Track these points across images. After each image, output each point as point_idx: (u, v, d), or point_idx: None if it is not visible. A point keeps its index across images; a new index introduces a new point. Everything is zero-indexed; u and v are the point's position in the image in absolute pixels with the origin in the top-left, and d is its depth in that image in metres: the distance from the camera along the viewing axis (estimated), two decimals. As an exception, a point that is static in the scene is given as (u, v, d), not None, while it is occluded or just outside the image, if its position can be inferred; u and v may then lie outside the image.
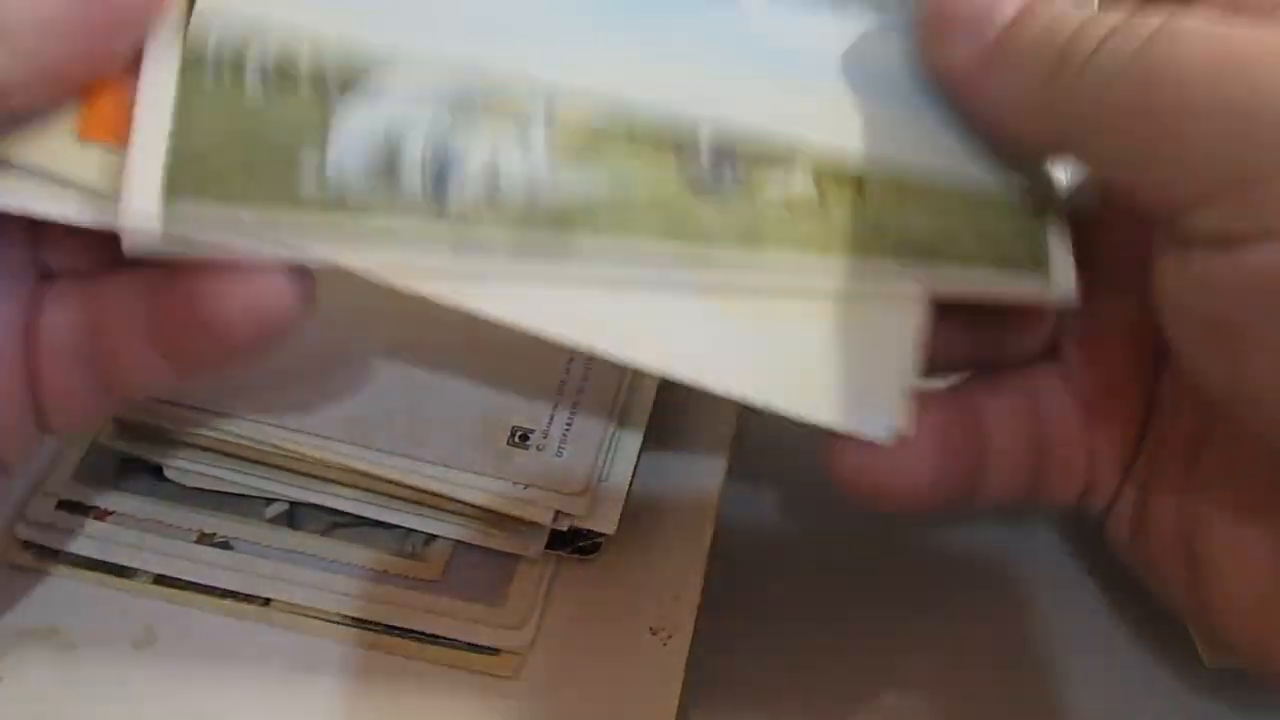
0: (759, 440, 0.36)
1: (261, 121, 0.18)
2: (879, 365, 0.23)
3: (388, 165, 0.19)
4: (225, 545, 0.31)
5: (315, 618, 0.30)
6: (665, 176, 0.21)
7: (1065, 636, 0.32)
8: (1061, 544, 0.34)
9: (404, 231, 0.19)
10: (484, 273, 0.20)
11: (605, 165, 0.21)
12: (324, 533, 0.32)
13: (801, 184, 0.22)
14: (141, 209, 0.18)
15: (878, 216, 0.23)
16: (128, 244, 0.18)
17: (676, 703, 0.28)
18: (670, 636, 0.30)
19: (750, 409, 0.23)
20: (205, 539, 0.31)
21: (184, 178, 0.18)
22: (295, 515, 0.32)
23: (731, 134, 0.22)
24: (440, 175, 0.19)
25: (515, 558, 0.31)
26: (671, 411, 0.34)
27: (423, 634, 0.30)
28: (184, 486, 0.32)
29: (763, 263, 0.22)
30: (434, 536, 0.31)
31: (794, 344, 0.22)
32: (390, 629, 0.30)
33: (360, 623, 0.30)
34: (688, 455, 0.34)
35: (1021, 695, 0.31)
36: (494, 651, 0.29)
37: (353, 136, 0.19)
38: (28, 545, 0.31)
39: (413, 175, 0.19)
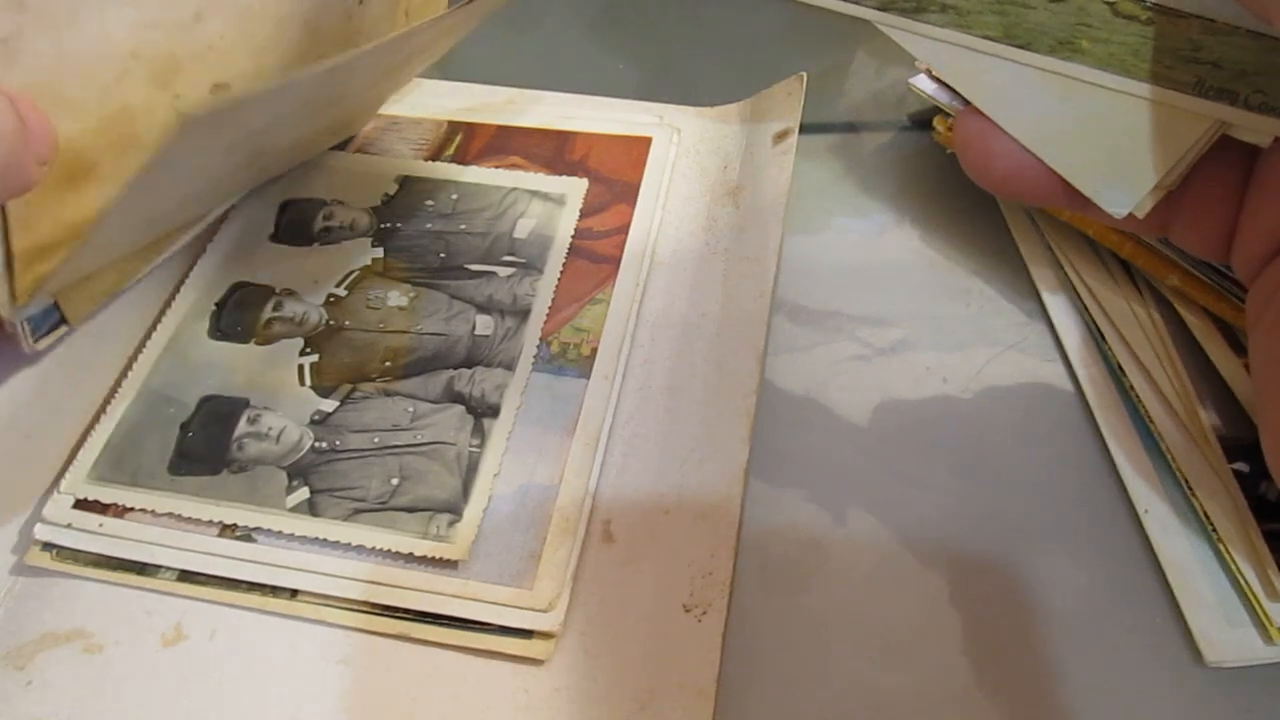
0: (781, 434, 0.36)
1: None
2: (1142, 158, 0.26)
3: None
4: (248, 537, 0.31)
5: (344, 608, 0.30)
6: None
7: (1065, 636, 0.32)
8: (1064, 546, 0.34)
9: None
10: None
11: None
12: (346, 519, 0.31)
13: (1129, 5, 0.25)
14: None
15: (1192, 39, 0.25)
16: None
17: (716, 677, 0.28)
18: (705, 613, 0.29)
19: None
20: (227, 532, 0.31)
21: None
22: (316, 503, 0.31)
23: None
24: None
25: (540, 539, 0.31)
26: (690, 393, 0.34)
27: (453, 619, 0.30)
28: (201, 479, 0.32)
29: (1071, 70, 0.26)
30: (459, 518, 0.31)
31: (1080, 117, 0.26)
32: (421, 615, 0.30)
33: (390, 610, 0.30)
34: (711, 439, 0.33)
35: (1022, 694, 0.31)
36: (527, 635, 0.29)
37: None
38: (47, 546, 0.31)
39: None
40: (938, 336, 0.40)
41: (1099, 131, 0.26)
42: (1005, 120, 0.27)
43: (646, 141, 0.43)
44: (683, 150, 0.43)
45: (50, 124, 0.27)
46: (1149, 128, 0.26)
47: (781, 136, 0.42)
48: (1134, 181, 0.26)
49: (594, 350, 0.36)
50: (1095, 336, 0.38)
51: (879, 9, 0.27)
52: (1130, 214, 0.26)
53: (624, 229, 0.40)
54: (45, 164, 0.27)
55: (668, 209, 0.41)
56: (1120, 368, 0.36)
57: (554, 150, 0.43)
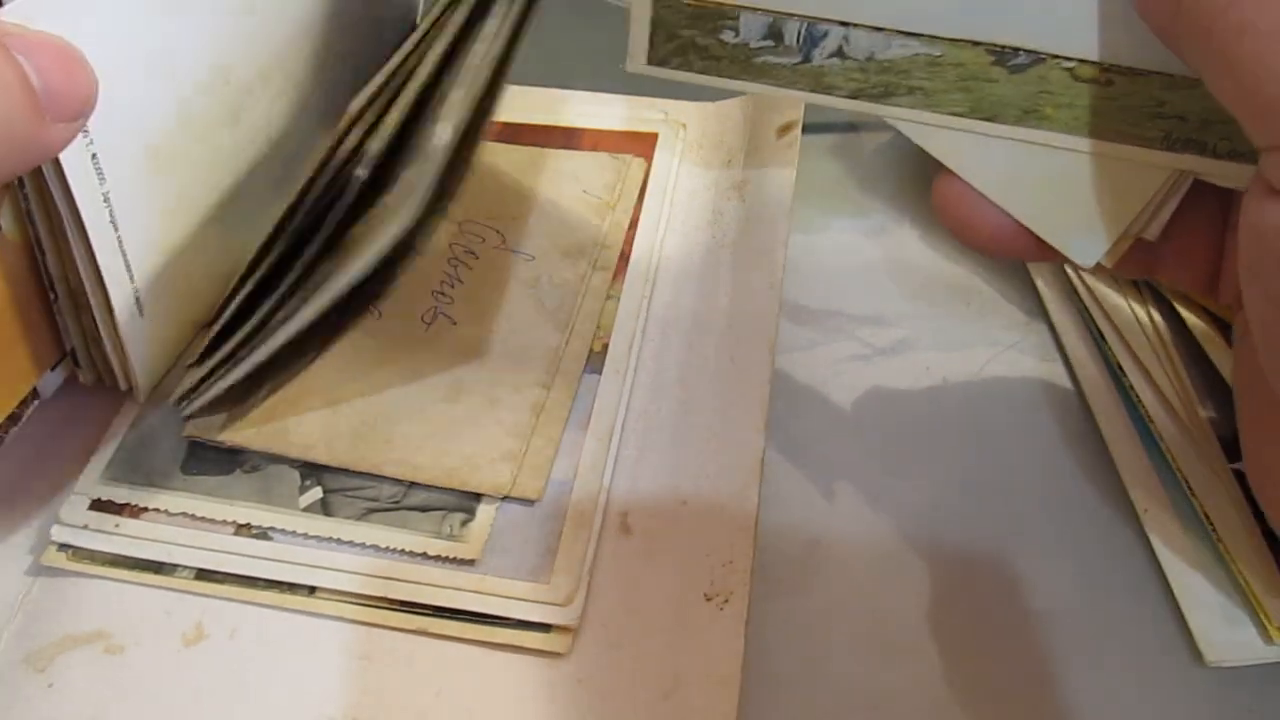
0: (781, 433, 0.36)
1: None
2: (1108, 211, 0.27)
3: (776, 34, 0.28)
4: (264, 535, 0.31)
5: (362, 604, 0.30)
6: (974, 53, 0.27)
7: (1065, 636, 0.32)
8: (1063, 545, 0.34)
9: (782, 71, 0.28)
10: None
11: (923, 41, 0.27)
12: (359, 518, 0.31)
13: (1089, 69, 0.26)
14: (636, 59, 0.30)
15: (1155, 95, 0.26)
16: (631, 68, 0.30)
17: (741, 665, 0.28)
18: (726, 601, 0.30)
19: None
20: (243, 530, 0.31)
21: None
22: (329, 502, 0.31)
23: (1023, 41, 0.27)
24: (809, 41, 0.28)
25: (556, 534, 0.31)
26: (702, 386, 0.35)
27: (472, 614, 0.30)
28: (215, 479, 0.32)
29: (1038, 137, 0.27)
30: (471, 517, 0.31)
31: (1049, 177, 0.27)
32: (439, 610, 0.30)
33: (408, 606, 0.30)
34: (726, 430, 0.34)
35: (1022, 694, 0.31)
36: (546, 629, 0.29)
37: (754, 20, 0.28)
38: (63, 547, 0.30)
39: (792, 40, 0.28)
40: (938, 336, 0.40)
41: (1067, 189, 0.27)
42: (979, 183, 0.28)
43: (653, 137, 0.43)
44: (687, 145, 0.43)
45: (87, 74, 0.24)
46: (1112, 182, 0.27)
47: (785, 129, 0.42)
48: (1100, 234, 0.27)
49: (605, 346, 0.36)
50: (1095, 336, 0.38)
51: (849, 97, 0.28)
52: (1100, 264, 0.27)
53: (631, 225, 0.40)
54: (76, 120, 0.24)
55: (674, 204, 0.41)
56: (1120, 368, 0.37)
57: (561, 146, 0.43)
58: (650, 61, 0.30)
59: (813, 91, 0.29)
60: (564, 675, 0.29)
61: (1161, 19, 0.23)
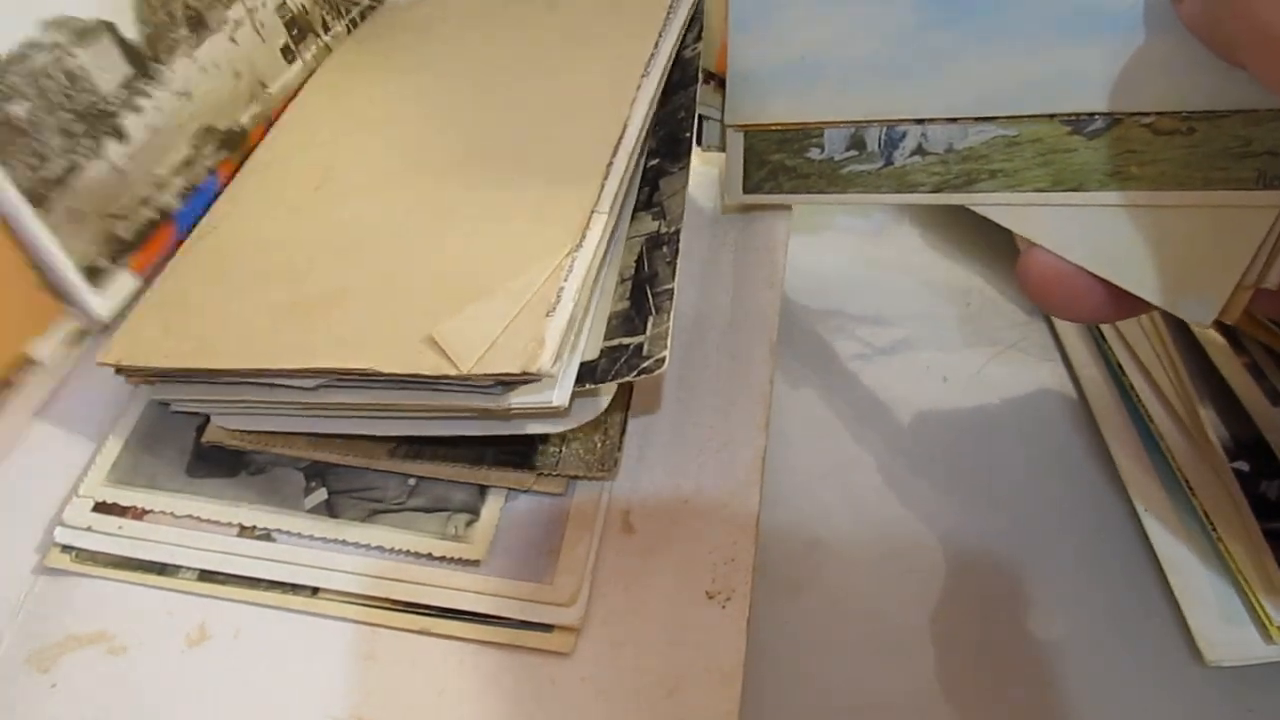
0: (781, 433, 0.36)
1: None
2: (1215, 263, 0.26)
3: (858, 144, 0.30)
4: (267, 536, 0.31)
5: (365, 605, 0.30)
6: (1049, 126, 0.27)
7: (1064, 636, 0.32)
8: (1063, 545, 0.34)
9: (867, 178, 0.30)
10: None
11: (998, 123, 0.28)
12: (364, 520, 0.31)
13: (1167, 121, 0.26)
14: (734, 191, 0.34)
15: (1239, 134, 0.25)
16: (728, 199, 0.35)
17: (742, 662, 0.28)
18: (729, 599, 0.30)
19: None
20: (246, 532, 0.31)
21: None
22: (334, 504, 0.31)
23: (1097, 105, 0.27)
24: (889, 144, 0.30)
25: (559, 534, 0.31)
26: (704, 384, 0.35)
27: (475, 615, 0.30)
28: (219, 481, 0.32)
29: (1127, 198, 0.27)
30: (476, 518, 0.31)
31: (1146, 238, 0.27)
32: (442, 612, 0.30)
33: (411, 607, 0.30)
34: (727, 428, 0.33)
35: (1022, 693, 0.31)
36: (549, 629, 0.29)
37: (837, 134, 0.31)
38: (67, 549, 0.30)
39: (874, 146, 0.30)
40: (938, 336, 0.40)
41: (1166, 247, 0.27)
42: (1075, 255, 0.27)
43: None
44: (687, 145, 0.43)
45: None
46: (1214, 233, 0.26)
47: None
48: (1212, 288, 0.26)
49: (607, 346, 0.36)
50: (1095, 336, 0.38)
51: (933, 191, 0.29)
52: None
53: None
54: None
55: (674, 204, 0.41)
56: (1120, 367, 0.37)
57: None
58: (745, 190, 0.33)
59: (898, 192, 0.29)
60: (568, 673, 0.29)
61: (1195, 16, 0.23)
